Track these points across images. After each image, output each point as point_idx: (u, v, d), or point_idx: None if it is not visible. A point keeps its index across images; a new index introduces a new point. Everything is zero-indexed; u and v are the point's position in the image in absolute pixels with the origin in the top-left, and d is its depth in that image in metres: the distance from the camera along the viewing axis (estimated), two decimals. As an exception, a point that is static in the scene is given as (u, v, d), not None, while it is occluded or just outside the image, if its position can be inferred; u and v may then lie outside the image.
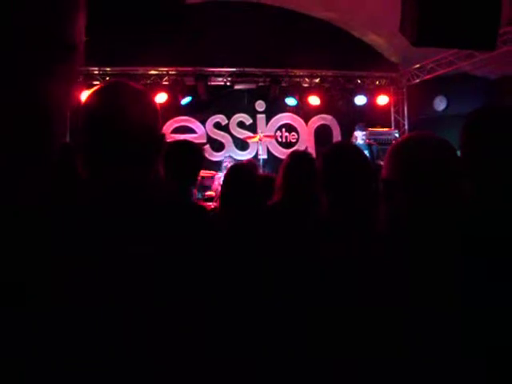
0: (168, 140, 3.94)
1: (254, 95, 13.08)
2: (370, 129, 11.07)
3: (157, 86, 11.92)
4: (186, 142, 4.06)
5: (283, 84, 12.65)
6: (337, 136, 13.53)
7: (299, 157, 3.39)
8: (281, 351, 1.88)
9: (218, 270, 1.44)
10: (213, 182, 10.52)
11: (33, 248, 1.16)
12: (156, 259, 1.27)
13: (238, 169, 3.61)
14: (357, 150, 2.87)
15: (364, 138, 9.89)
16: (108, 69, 11.53)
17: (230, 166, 9.81)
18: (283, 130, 13.46)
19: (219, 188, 9.64)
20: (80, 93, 11.49)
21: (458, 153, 1.94)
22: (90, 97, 1.47)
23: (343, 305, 1.61)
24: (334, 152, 2.83)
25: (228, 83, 12.59)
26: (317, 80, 12.89)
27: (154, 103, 1.58)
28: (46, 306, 1.12)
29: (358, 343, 1.52)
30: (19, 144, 0.76)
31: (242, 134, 12.80)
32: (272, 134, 12.75)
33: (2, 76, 0.72)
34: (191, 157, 3.74)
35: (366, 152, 9.61)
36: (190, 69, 11.97)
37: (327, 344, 1.59)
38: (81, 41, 0.87)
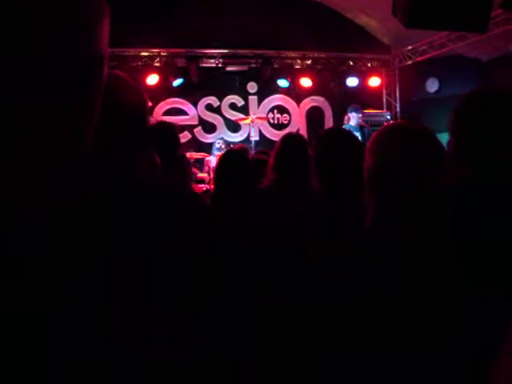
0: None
1: (246, 77, 13.05)
2: (365, 111, 11.07)
3: (148, 68, 11.87)
4: (156, 124, 3.97)
5: (275, 66, 12.61)
6: (328, 118, 13.55)
7: (292, 139, 3.39)
8: (279, 346, 1.89)
9: (215, 263, 1.45)
10: (204, 164, 10.53)
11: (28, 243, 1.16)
12: (150, 252, 1.28)
13: (231, 155, 3.59)
14: (351, 136, 2.88)
15: (359, 120, 9.85)
16: (99, 50, 11.44)
17: (223, 147, 9.82)
18: (275, 111, 13.45)
19: (211, 170, 9.71)
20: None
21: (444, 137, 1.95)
22: None
23: (336, 292, 1.61)
24: (327, 137, 2.84)
25: (220, 65, 12.52)
26: (309, 62, 12.86)
27: (140, 91, 1.58)
28: (44, 305, 1.13)
29: (352, 336, 1.53)
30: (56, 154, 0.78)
31: (233, 115, 12.77)
32: (264, 115, 12.72)
33: (39, 90, 0.73)
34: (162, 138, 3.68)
35: (358, 134, 9.61)
36: (181, 50, 11.90)
37: (322, 337, 1.59)
38: (107, 48, 0.88)
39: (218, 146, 10.72)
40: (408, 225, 1.61)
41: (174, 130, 3.81)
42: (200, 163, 10.71)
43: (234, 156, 3.50)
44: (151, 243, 1.28)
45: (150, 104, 1.71)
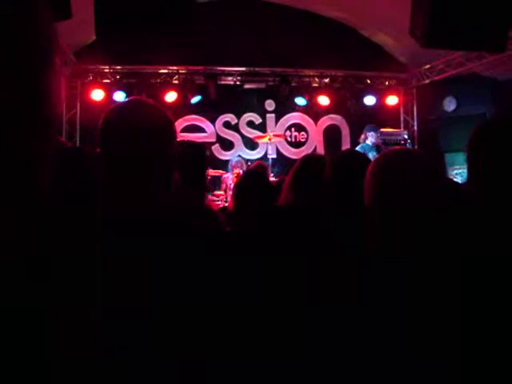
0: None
1: (264, 95, 13.08)
2: (382, 129, 11.01)
3: (167, 85, 12.01)
4: (189, 143, 3.96)
5: (293, 84, 12.65)
6: (346, 136, 13.54)
7: (311, 161, 3.39)
8: (282, 352, 1.90)
9: (230, 275, 1.48)
10: (222, 182, 10.56)
11: (43, 244, 1.20)
12: (169, 266, 1.31)
13: (251, 174, 3.59)
14: (365, 159, 2.89)
15: (378, 139, 9.82)
16: (119, 67, 11.58)
17: (239, 165, 9.80)
18: (292, 129, 13.46)
19: (227, 187, 9.74)
20: (89, 92, 11.55)
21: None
22: (109, 113, 1.55)
23: (348, 305, 1.63)
24: (341, 162, 2.86)
25: (238, 82, 12.60)
26: (326, 80, 12.90)
27: (170, 120, 1.63)
28: (50, 305, 1.15)
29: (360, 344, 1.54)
30: None
31: (251, 133, 12.81)
32: (282, 133, 12.75)
33: None
34: (195, 158, 3.66)
35: (374, 153, 9.56)
36: (200, 68, 12.02)
37: (332, 345, 1.61)
38: (58, 109, 0.90)
39: (232, 163, 10.75)
40: (411, 251, 1.62)
41: (205, 152, 3.82)
42: (217, 180, 10.72)
43: (254, 175, 3.51)
44: (160, 251, 1.32)
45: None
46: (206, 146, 11.69)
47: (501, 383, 1.44)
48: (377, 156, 2.08)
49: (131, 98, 1.72)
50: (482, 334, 1.44)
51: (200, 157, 3.69)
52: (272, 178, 9.53)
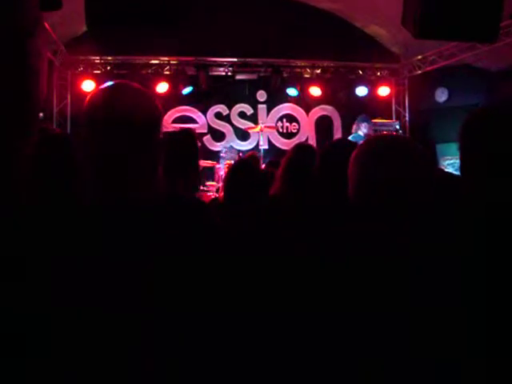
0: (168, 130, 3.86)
1: (256, 85, 13.06)
2: (374, 120, 10.99)
3: (158, 76, 11.96)
4: (176, 131, 3.83)
5: (284, 74, 12.65)
6: (337, 127, 13.53)
7: (302, 150, 3.38)
8: (281, 352, 1.89)
9: (219, 269, 1.46)
10: (214, 172, 10.55)
11: (33, 246, 1.18)
12: (156, 260, 1.29)
13: (241, 165, 3.57)
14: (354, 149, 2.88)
15: (370, 130, 9.80)
16: (109, 58, 11.53)
17: (229, 156, 9.78)
18: (284, 120, 13.44)
19: (220, 178, 9.74)
20: (80, 82, 11.49)
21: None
22: (92, 97, 1.49)
23: (343, 296, 1.61)
24: (331, 151, 2.84)
25: (229, 73, 12.58)
26: (318, 71, 12.88)
27: (156, 105, 1.56)
28: (46, 305, 1.14)
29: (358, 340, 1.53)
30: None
31: (242, 124, 12.82)
32: (273, 124, 12.76)
33: None
34: (185, 146, 3.52)
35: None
36: (191, 58, 11.97)
37: (328, 343, 1.59)
38: (37, 24, 0.87)
39: (222, 154, 10.76)
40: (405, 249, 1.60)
41: (195, 139, 3.72)
42: (209, 171, 10.71)
43: (243, 166, 3.48)
44: (148, 246, 1.30)
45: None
46: (197, 135, 11.72)
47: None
48: (361, 142, 2.01)
49: (115, 82, 1.59)
50: (487, 334, 1.42)
51: (188, 144, 3.60)
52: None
